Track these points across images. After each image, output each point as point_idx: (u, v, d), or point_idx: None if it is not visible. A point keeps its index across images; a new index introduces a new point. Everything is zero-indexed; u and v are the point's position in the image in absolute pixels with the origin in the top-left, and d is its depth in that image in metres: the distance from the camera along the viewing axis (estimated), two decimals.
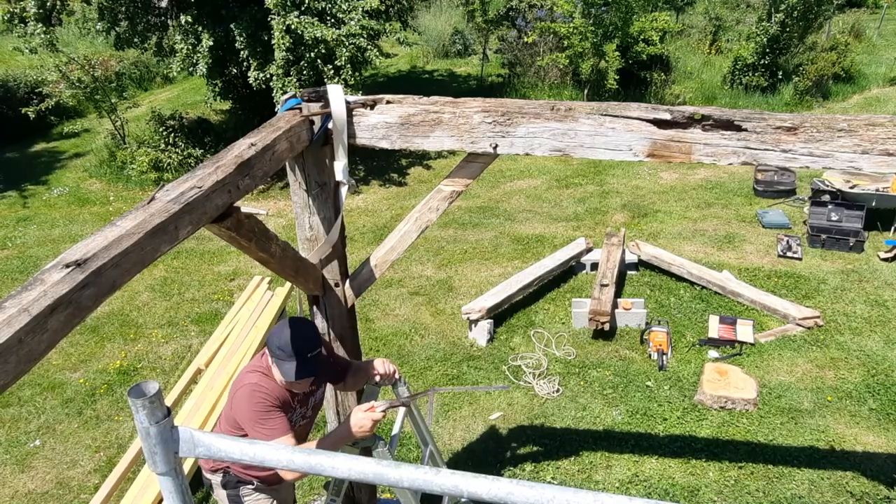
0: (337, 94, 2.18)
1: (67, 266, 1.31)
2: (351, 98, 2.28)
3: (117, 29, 8.23)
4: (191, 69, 7.95)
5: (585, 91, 10.64)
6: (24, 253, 7.27)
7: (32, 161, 10.16)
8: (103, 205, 8.53)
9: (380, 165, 8.91)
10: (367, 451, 2.80)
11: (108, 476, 3.75)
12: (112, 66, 11.77)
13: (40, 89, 10.28)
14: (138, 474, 3.70)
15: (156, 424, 1.25)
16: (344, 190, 2.35)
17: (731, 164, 2.05)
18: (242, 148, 1.88)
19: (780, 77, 10.76)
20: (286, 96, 2.24)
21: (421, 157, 9.07)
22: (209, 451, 1.30)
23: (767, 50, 10.54)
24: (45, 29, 7.75)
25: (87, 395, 4.92)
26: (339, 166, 2.29)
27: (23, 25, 7.80)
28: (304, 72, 7.25)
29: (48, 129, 11.21)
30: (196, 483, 3.97)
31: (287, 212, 7.95)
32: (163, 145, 8.78)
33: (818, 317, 5.30)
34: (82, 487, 4.11)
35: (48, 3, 7.68)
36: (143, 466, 3.71)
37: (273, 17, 7.02)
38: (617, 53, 9.90)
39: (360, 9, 7.46)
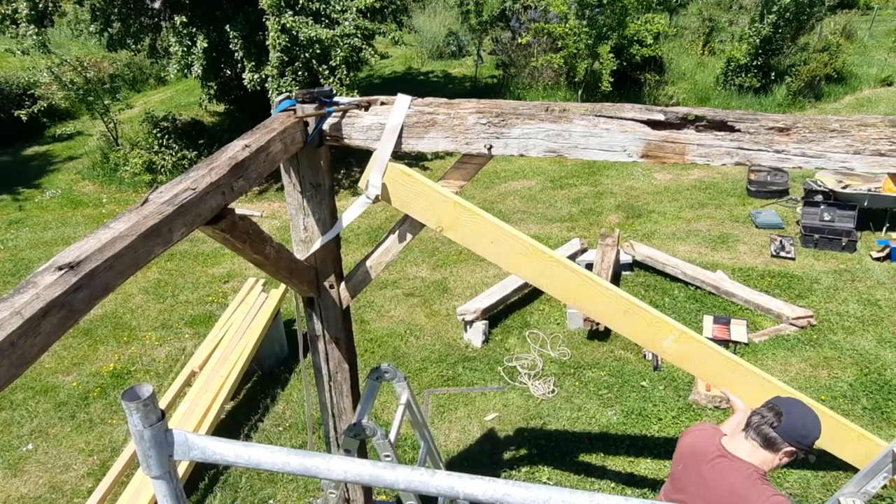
0: (402, 104, 2.18)
1: (60, 269, 1.30)
2: (345, 99, 2.27)
3: (110, 30, 8.20)
4: (186, 71, 7.94)
5: (580, 92, 10.67)
6: (17, 256, 7.23)
7: (25, 164, 10.11)
8: (96, 207, 8.49)
9: None
10: (363, 445, 2.80)
11: (101, 480, 3.74)
12: (105, 68, 11.73)
13: (32, 91, 10.25)
14: (132, 478, 3.69)
15: (150, 427, 1.25)
16: (364, 201, 2.25)
17: (724, 164, 2.05)
18: (236, 149, 1.88)
19: (772, 78, 10.82)
20: (280, 98, 2.23)
21: (416, 159, 9.08)
22: (204, 454, 1.30)
23: (760, 51, 10.61)
24: (37, 30, 7.71)
25: (81, 398, 4.89)
26: (376, 179, 2.19)
27: (14, 27, 7.76)
28: (299, 73, 7.25)
29: (41, 132, 11.16)
30: (191, 487, 3.96)
31: (281, 213, 7.93)
32: (156, 147, 8.74)
33: (811, 316, 5.32)
34: (75, 491, 4.09)
35: (40, 5, 7.64)
36: (137, 470, 3.69)
37: (268, 17, 7.01)
38: (611, 55, 9.94)
39: (355, 8, 7.46)
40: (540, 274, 2.29)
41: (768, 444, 2.10)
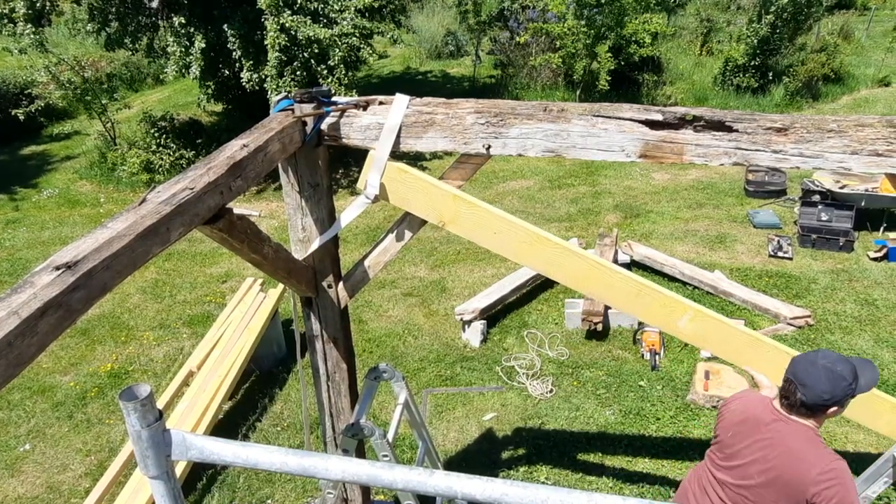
0: (400, 104, 2.18)
1: (58, 268, 1.29)
2: (343, 99, 2.27)
3: (107, 30, 8.19)
4: (184, 71, 7.93)
5: (578, 92, 10.68)
6: (14, 255, 7.21)
7: (22, 163, 10.08)
8: (94, 207, 8.47)
9: None
10: (361, 445, 2.80)
11: (99, 480, 3.73)
12: (102, 67, 11.70)
13: (30, 90, 10.22)
14: (130, 478, 3.68)
15: (147, 427, 1.24)
16: (363, 201, 2.26)
17: (722, 164, 2.06)
18: (234, 149, 1.87)
19: (770, 78, 10.84)
20: (278, 97, 2.23)
21: (414, 159, 9.07)
22: (202, 454, 1.29)
23: (758, 51, 10.63)
24: (34, 29, 7.69)
25: (78, 398, 4.88)
26: (375, 178, 2.20)
27: (12, 26, 7.75)
28: (298, 72, 7.24)
29: (38, 131, 11.13)
30: (188, 487, 3.96)
31: (280, 213, 7.92)
32: (154, 147, 8.73)
33: (809, 316, 5.33)
34: (73, 492, 4.08)
35: (38, 4, 7.62)
36: (135, 470, 3.68)
37: (266, 17, 7.00)
38: (609, 55, 9.94)
39: (353, 8, 7.46)
40: (547, 262, 2.27)
41: (808, 414, 2.12)
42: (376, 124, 2.22)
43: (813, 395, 2.07)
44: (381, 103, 2.23)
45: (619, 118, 2.06)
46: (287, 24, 6.94)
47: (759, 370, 2.41)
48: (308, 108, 2.17)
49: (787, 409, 2.17)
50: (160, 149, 8.71)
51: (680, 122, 2.03)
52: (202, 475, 4.06)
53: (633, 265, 6.20)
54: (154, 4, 8.04)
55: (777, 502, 2.14)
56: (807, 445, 2.10)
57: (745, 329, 2.39)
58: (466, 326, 5.33)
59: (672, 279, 5.95)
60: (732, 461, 2.29)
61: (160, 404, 4.24)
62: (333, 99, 2.24)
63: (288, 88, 7.05)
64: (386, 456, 2.54)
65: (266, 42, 7.05)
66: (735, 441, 2.30)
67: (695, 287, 5.83)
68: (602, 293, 2.34)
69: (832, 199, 6.61)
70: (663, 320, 2.33)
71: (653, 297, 2.28)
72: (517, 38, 11.43)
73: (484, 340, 5.32)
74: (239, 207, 1.90)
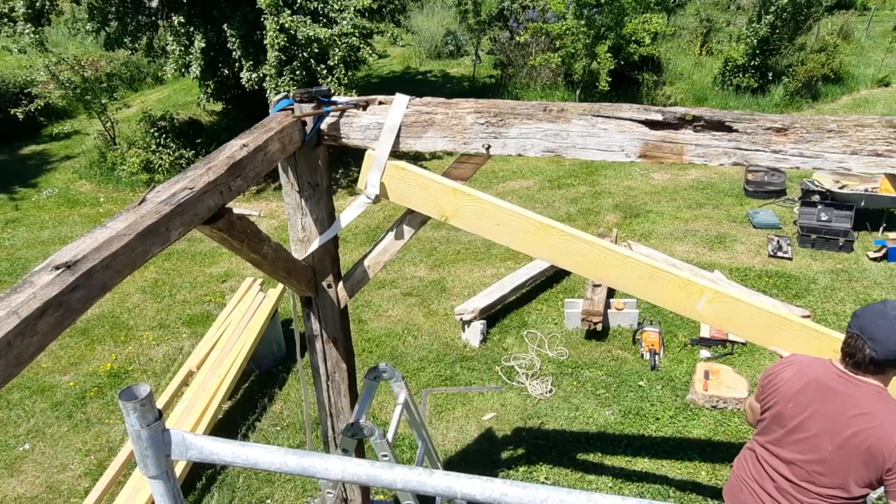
0: (400, 104, 2.17)
1: (57, 268, 1.29)
2: (343, 99, 2.27)
3: (107, 29, 8.19)
4: (183, 70, 7.93)
5: (577, 92, 10.68)
6: (13, 255, 7.21)
7: (22, 163, 10.08)
8: (93, 206, 8.47)
9: None
10: (361, 445, 2.80)
11: (98, 480, 3.73)
12: (102, 67, 11.69)
13: (29, 90, 10.22)
14: (129, 478, 3.68)
15: (147, 427, 1.24)
16: (364, 201, 2.26)
17: (722, 164, 2.06)
18: (234, 149, 1.87)
19: (770, 78, 10.85)
20: (278, 97, 2.23)
21: (414, 159, 9.08)
22: (201, 453, 1.29)
23: (757, 51, 10.63)
24: (34, 29, 7.69)
25: (78, 398, 4.88)
26: (375, 178, 2.20)
27: (11, 25, 7.75)
28: (297, 72, 7.24)
29: (37, 131, 11.13)
30: (188, 486, 3.96)
31: (279, 213, 7.92)
32: (154, 146, 8.72)
33: (808, 316, 5.33)
34: (72, 491, 4.08)
35: (37, 3, 7.63)
36: (134, 470, 3.68)
37: (266, 16, 7.01)
38: (609, 54, 9.95)
39: (353, 8, 7.46)
40: (554, 250, 2.22)
41: (876, 371, 1.99)
42: (376, 124, 2.22)
43: (885, 349, 1.91)
44: (380, 103, 2.23)
45: (619, 118, 2.06)
46: (286, 24, 6.94)
47: (789, 351, 2.26)
48: (308, 107, 2.17)
49: (853, 369, 2.00)
50: (160, 148, 8.70)
51: (680, 122, 2.03)
52: (202, 475, 4.06)
53: None
54: (154, 4, 8.05)
55: (851, 473, 1.99)
56: (882, 406, 1.95)
57: (769, 308, 2.25)
58: (466, 326, 5.33)
59: None
60: (798, 434, 2.10)
61: (160, 404, 4.24)
62: (333, 99, 2.24)
63: (287, 88, 7.05)
64: (385, 456, 2.54)
65: (266, 42, 7.05)
66: (798, 412, 2.09)
67: None
68: (614, 278, 2.26)
69: (832, 200, 6.61)
70: (681, 303, 2.22)
71: (667, 279, 2.19)
72: (517, 38, 11.43)
73: (483, 340, 5.32)
74: (239, 207, 1.90)
